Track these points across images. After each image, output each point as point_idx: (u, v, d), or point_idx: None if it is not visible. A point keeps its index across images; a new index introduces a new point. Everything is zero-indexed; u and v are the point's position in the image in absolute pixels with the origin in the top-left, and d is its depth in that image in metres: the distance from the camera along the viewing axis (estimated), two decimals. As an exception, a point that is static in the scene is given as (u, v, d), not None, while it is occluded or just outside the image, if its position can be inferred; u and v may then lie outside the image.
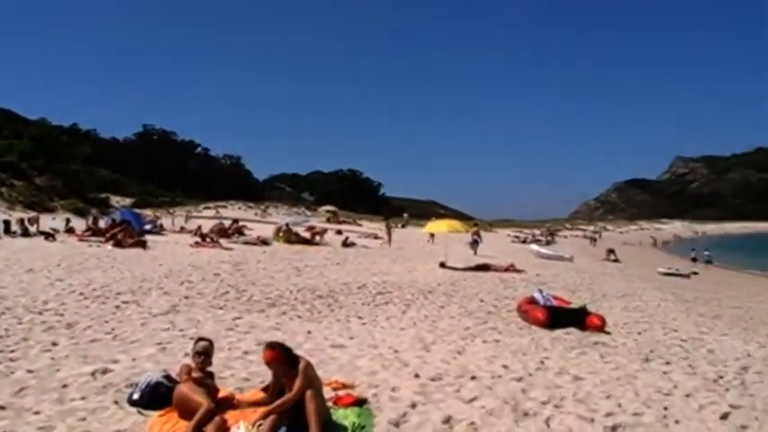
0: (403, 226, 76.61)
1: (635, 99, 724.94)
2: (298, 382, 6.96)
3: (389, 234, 48.21)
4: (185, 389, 7.29)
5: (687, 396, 9.25)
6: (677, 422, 7.97)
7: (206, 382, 7.56)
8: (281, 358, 7.09)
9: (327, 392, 7.95)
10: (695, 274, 43.19)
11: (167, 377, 7.97)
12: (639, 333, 15.33)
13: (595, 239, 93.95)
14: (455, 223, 36.88)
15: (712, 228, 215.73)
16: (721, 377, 10.83)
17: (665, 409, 8.49)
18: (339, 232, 53.32)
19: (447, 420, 7.45)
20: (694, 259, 60.40)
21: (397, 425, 7.31)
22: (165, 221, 51.12)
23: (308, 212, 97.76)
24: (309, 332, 12.56)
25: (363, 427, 7.15)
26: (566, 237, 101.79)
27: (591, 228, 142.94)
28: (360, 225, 79.55)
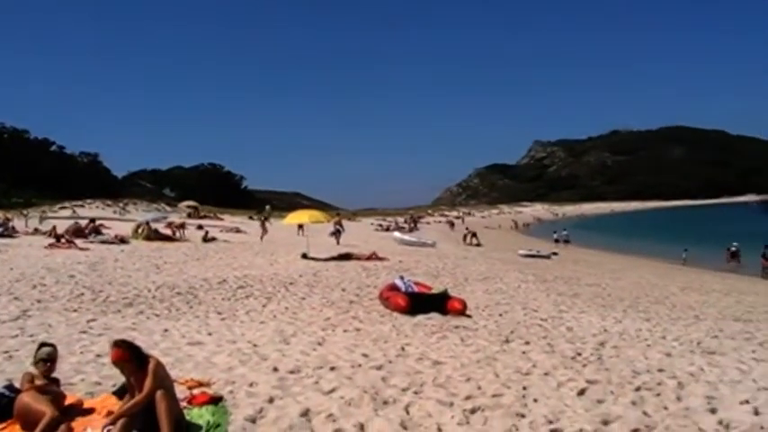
0: (266, 218, 76.00)
1: (493, 87, 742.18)
2: (148, 383, 6.64)
3: (264, 228, 47.62)
4: (27, 398, 6.88)
5: (546, 374, 9.35)
6: (536, 401, 8.02)
7: (50, 389, 7.18)
8: (128, 357, 6.74)
9: (182, 392, 7.67)
10: (555, 254, 44.34)
11: (9, 387, 7.46)
12: (500, 315, 15.54)
13: (453, 223, 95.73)
14: (316, 213, 36.65)
15: (571, 209, 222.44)
16: (579, 354, 11.03)
17: (524, 388, 8.54)
18: (200, 227, 52.29)
19: (305, 413, 7.28)
20: (556, 240, 62.11)
21: (253, 421, 7.09)
22: (18, 223, 48.99)
23: (169, 208, 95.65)
24: (166, 330, 12.16)
25: (218, 426, 6.91)
26: (429, 223, 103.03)
27: (454, 213, 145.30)
28: (221, 219, 78.59)
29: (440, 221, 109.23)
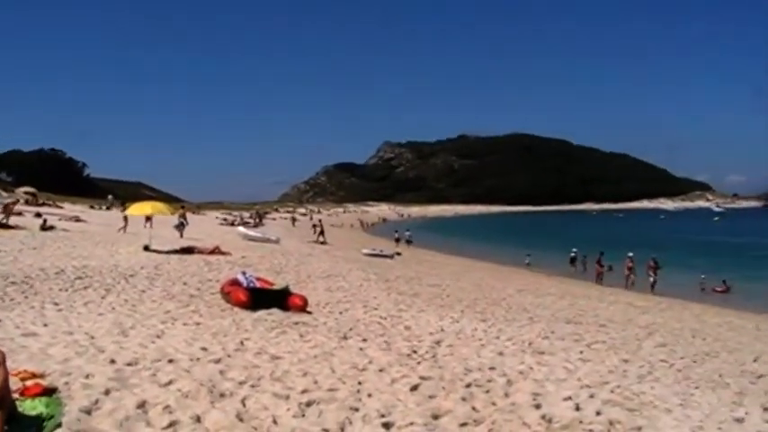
0: (108, 208, 73.96)
1: (345, 86, 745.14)
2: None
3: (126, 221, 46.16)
4: None
5: (381, 371, 9.57)
6: (370, 395, 8.22)
7: None
8: None
9: (15, 383, 7.50)
10: (398, 254, 45.11)
11: None
12: (341, 312, 15.75)
13: (295, 219, 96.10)
14: (159, 205, 36.05)
15: (417, 210, 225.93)
16: (415, 351, 11.32)
17: (360, 383, 8.72)
18: (38, 215, 50.35)
19: (141, 405, 7.22)
20: (398, 240, 63.02)
21: (88, 412, 6.98)
22: None
23: (5, 194, 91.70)
24: (0, 321, 11.80)
25: (52, 417, 6.78)
26: (275, 219, 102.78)
27: (301, 210, 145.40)
28: (61, 207, 75.93)
29: (285, 218, 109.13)
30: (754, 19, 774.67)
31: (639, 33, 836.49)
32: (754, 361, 14.68)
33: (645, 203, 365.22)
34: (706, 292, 36.25)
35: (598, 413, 8.26)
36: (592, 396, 9.10)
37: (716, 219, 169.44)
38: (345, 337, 12.13)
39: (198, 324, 12.54)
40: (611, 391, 9.54)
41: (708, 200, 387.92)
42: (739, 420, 8.80)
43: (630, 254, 37.83)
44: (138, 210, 35.04)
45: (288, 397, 7.87)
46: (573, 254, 47.28)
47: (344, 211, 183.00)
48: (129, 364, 8.96)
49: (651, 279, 36.05)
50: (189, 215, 49.14)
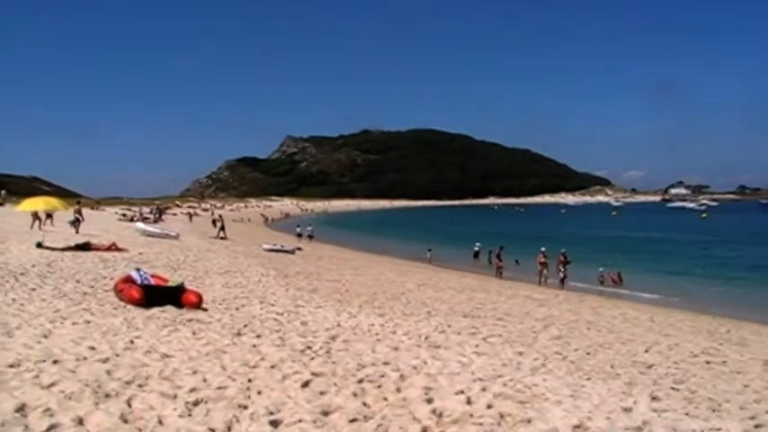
0: (1, 204, 71.74)
1: (247, 80, 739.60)
2: None
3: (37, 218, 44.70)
4: None
5: (272, 367, 9.46)
6: (259, 393, 8.12)
7: None
8: None
9: None
10: (299, 249, 44.94)
11: None
12: (237, 308, 15.56)
13: (192, 214, 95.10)
14: (53, 200, 34.91)
15: (320, 205, 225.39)
16: (309, 347, 11.23)
17: (250, 381, 8.61)
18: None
19: (20, 408, 6.98)
20: (299, 235, 62.94)
21: (-39, 419, 6.75)
22: None
23: None
24: None
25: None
26: (176, 215, 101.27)
27: (202, 205, 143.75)
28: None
29: (187, 213, 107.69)
30: (653, 16, 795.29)
31: (540, 29, 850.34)
32: (646, 351, 15.06)
33: (546, 198, 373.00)
34: (605, 284, 37.08)
35: (489, 406, 8.33)
36: (484, 389, 9.17)
37: (614, 213, 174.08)
38: (239, 334, 11.97)
39: (88, 323, 12.19)
40: (504, 384, 9.63)
41: (607, 194, 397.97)
42: (627, 410, 8.99)
43: (543, 248, 37.69)
44: (30, 205, 33.93)
45: (175, 396, 7.72)
46: (476, 248, 47.81)
47: (246, 206, 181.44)
48: (10, 366, 8.64)
49: (561, 274, 36.22)
50: (87, 211, 48.10)
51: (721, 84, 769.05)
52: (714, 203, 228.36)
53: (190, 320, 13.04)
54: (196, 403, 7.54)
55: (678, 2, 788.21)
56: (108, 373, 8.54)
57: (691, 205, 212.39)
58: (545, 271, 37.10)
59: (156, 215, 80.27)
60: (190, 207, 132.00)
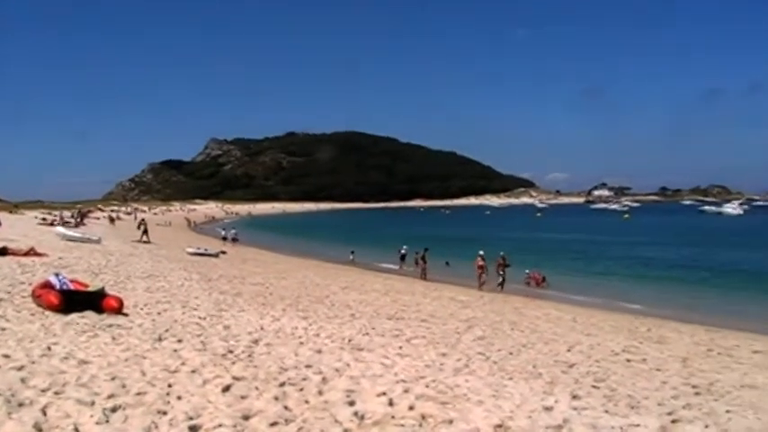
0: None
1: (170, 83, 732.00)
2: None
3: None
4: None
5: (193, 372, 9.37)
6: (179, 398, 8.03)
7: None
8: None
9: None
10: (223, 253, 44.62)
11: None
12: (159, 313, 15.32)
13: (113, 218, 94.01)
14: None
15: (245, 208, 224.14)
16: (231, 351, 11.15)
17: (170, 386, 8.51)
18: None
19: (-72, 421, 6.81)
20: (224, 238, 62.55)
21: None
22: None
23: None
24: None
25: None
26: (98, 218, 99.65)
27: (125, 209, 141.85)
28: None
29: (108, 217, 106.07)
30: (577, 22, 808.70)
31: (465, 34, 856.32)
32: (568, 351, 15.30)
33: (472, 200, 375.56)
34: (531, 286, 37.38)
35: (411, 408, 8.37)
36: (406, 391, 9.21)
37: (538, 214, 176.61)
38: (160, 339, 11.80)
39: (3, 330, 11.88)
40: (426, 386, 9.69)
41: (532, 196, 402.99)
42: (548, 408, 9.13)
43: (481, 252, 36.67)
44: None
45: (93, 403, 7.58)
46: (403, 251, 47.86)
47: (168, 209, 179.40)
48: None
49: (500, 278, 35.57)
50: (4, 215, 47.04)
51: (644, 88, 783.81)
52: (636, 205, 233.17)
53: (110, 326, 12.81)
54: (114, 410, 7.42)
55: (601, 7, 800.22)
56: (22, 381, 8.35)
57: (613, 207, 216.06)
58: (484, 275, 35.95)
59: (78, 219, 78.87)
60: (112, 211, 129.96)
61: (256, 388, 8.77)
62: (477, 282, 35.53)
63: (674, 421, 9.06)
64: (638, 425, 8.68)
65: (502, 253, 36.92)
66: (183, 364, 9.83)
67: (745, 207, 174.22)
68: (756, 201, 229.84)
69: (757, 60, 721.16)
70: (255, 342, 12.30)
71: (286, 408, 8.01)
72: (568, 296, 32.46)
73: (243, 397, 8.32)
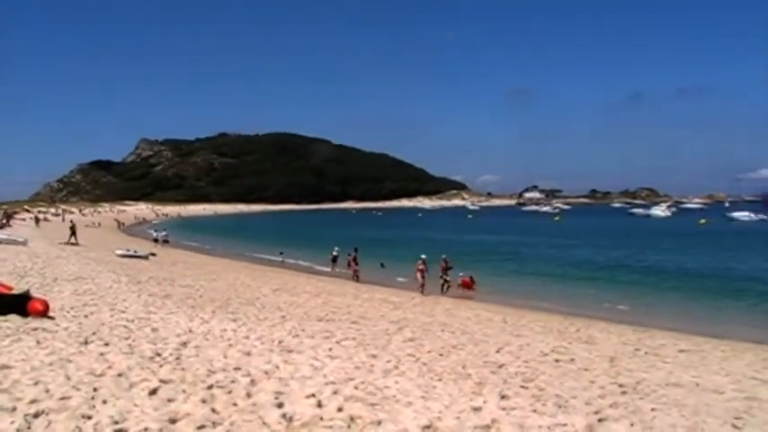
0: None
1: (100, 82, 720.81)
2: None
3: None
4: None
5: (119, 375, 9.26)
6: (105, 402, 7.93)
7: None
8: None
9: None
10: (153, 255, 44.04)
11: None
12: (86, 316, 15.11)
13: (38, 219, 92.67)
14: None
15: (176, 209, 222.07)
16: (159, 354, 11.04)
17: (95, 390, 8.40)
18: None
19: None
20: (156, 240, 61.88)
21: None
22: None
23: None
24: None
25: None
26: (24, 220, 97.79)
27: (53, 210, 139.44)
28: None
29: (34, 218, 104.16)
30: (507, 24, 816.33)
31: (396, 37, 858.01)
32: (497, 352, 15.43)
33: (404, 202, 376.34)
34: (460, 287, 37.34)
35: (340, 409, 8.40)
36: (335, 393, 9.24)
37: (470, 216, 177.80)
38: (86, 342, 11.62)
39: None
40: (356, 387, 9.73)
41: (463, 198, 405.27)
42: (477, 409, 9.22)
43: (423, 256, 35.51)
44: None
45: (14, 409, 7.47)
46: (335, 252, 47.67)
47: (97, 211, 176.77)
48: None
49: (442, 280, 34.66)
50: None
51: (574, 91, 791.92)
52: (567, 207, 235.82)
53: (35, 329, 12.58)
54: (36, 415, 7.31)
55: (530, 10, 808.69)
56: (-63, 387, 8.18)
57: (544, 209, 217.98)
58: (423, 279, 34.34)
59: (3, 220, 77.27)
60: (39, 212, 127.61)
61: (184, 391, 8.70)
62: (418, 286, 34.31)
63: (600, 420, 9.22)
64: (564, 424, 8.82)
65: (444, 256, 35.99)
66: (109, 367, 9.71)
67: (673, 210, 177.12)
68: (684, 203, 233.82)
69: (685, 64, 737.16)
70: (184, 345, 12.19)
71: (213, 410, 7.98)
72: (499, 297, 32.64)
73: (170, 400, 8.25)
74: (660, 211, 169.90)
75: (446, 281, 34.74)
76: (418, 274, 34.63)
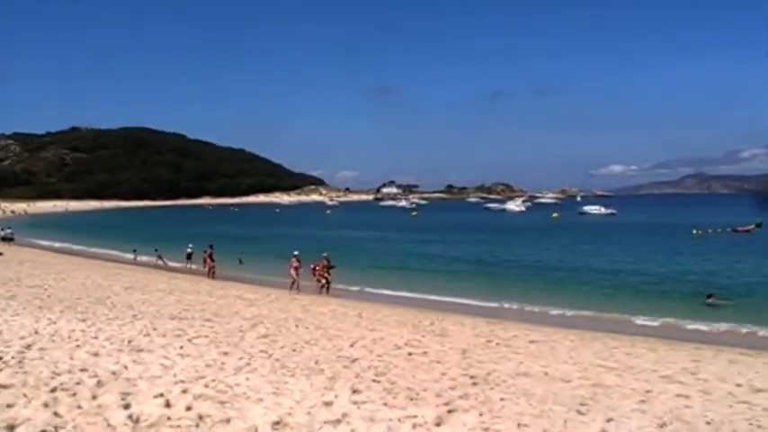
0: None
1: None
2: None
3: None
4: None
5: (-46, 382, 8.93)
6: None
7: None
8: None
9: None
10: (0, 254, 42.43)
11: None
12: None
13: None
14: None
15: (24, 206, 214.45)
16: (1, 358, 10.67)
17: None
18: None
19: None
20: (2, 239, 59.62)
21: None
22: None
23: None
24: None
25: None
26: None
27: None
28: None
29: None
30: (369, 22, 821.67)
31: (248, 26, 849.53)
32: (351, 346, 15.58)
33: (261, 197, 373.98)
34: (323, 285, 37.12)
35: (188, 408, 8.34)
36: (185, 391, 9.17)
37: (328, 212, 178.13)
38: None
39: None
40: (206, 386, 9.67)
41: (321, 194, 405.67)
42: (328, 404, 9.30)
43: (296, 252, 34.33)
44: None
45: None
46: (189, 249, 46.95)
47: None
48: None
49: (324, 280, 32.74)
50: None
51: (431, 88, 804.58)
52: (424, 202, 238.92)
53: None
54: None
55: (392, 8, 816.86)
56: None
57: (402, 204, 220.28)
58: (297, 278, 33.04)
59: None
60: None
61: (24, 395, 8.45)
62: (290, 284, 33.20)
63: (450, 411, 9.44)
64: (415, 416, 8.98)
65: (325, 254, 34.27)
66: (-59, 375, 9.33)
67: (528, 204, 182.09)
68: (538, 198, 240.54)
69: (540, 64, 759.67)
70: (28, 347, 11.84)
71: (56, 414, 7.79)
72: (355, 293, 32.82)
73: (9, 406, 8.00)
74: (515, 205, 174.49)
75: (327, 280, 32.91)
76: (292, 271, 33.42)
